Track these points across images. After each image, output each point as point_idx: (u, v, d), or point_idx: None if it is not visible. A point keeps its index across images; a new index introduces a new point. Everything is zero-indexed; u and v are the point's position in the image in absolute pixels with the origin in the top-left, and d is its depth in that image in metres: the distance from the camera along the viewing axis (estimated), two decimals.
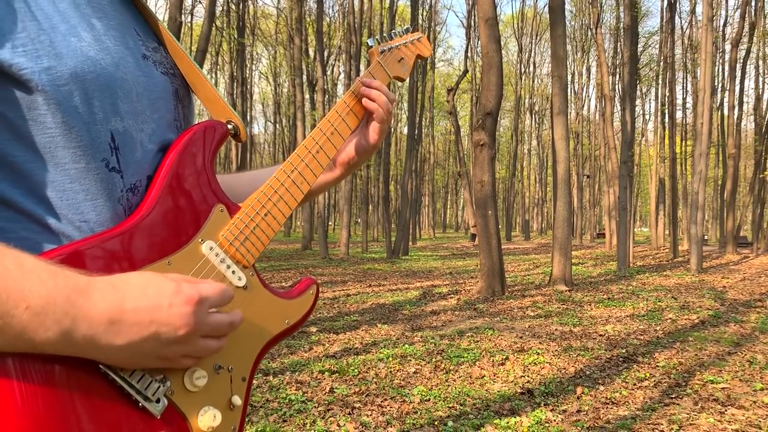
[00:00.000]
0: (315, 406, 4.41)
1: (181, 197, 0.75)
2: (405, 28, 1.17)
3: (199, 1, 28.12)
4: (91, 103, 0.69)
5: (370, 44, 1.06)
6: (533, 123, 53.45)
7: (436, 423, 4.12)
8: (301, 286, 0.90)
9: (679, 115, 30.61)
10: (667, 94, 26.81)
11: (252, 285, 0.81)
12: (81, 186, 0.69)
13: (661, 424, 4.09)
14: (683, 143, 31.16)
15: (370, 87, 1.00)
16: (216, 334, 0.70)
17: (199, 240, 0.76)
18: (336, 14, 36.48)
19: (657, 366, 5.68)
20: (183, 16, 14.54)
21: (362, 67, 25.30)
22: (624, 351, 6.29)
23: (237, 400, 0.77)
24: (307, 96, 27.50)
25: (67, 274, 0.60)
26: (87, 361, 0.62)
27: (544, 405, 4.53)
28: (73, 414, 0.61)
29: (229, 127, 0.86)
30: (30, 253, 0.60)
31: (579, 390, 4.87)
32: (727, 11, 30.90)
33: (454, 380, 5.21)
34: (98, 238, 0.67)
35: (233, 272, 0.78)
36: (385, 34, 1.10)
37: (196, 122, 0.85)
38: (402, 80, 1.12)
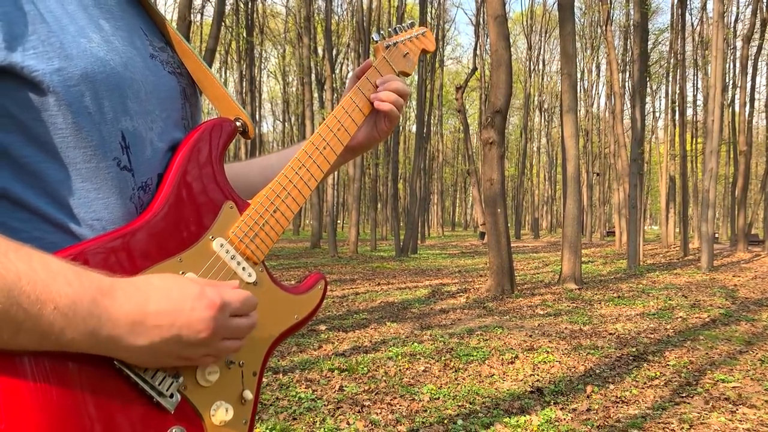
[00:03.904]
0: (325, 404, 4.43)
1: (191, 195, 0.76)
2: (409, 22, 1.16)
3: (208, 0, 28.20)
4: (102, 103, 0.69)
5: (375, 39, 1.06)
6: (542, 121, 53.22)
7: (445, 421, 4.12)
8: (309, 281, 0.91)
9: (689, 112, 30.38)
10: (678, 91, 26.62)
11: (262, 281, 0.82)
12: (93, 185, 0.70)
13: (672, 423, 4.07)
14: (694, 141, 30.92)
15: (387, 89, 1.00)
16: (236, 336, 0.72)
17: (210, 237, 0.77)
18: (344, 13, 36.50)
19: (667, 365, 5.65)
20: (192, 15, 14.59)
21: None
22: (634, 349, 6.26)
23: (248, 395, 0.78)
24: (316, 94, 27.58)
25: (91, 275, 0.62)
26: (102, 358, 0.63)
27: (554, 404, 4.52)
28: (89, 410, 0.62)
29: (238, 124, 0.86)
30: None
31: (589, 389, 4.86)
32: (738, 7, 30.55)
33: (464, 379, 5.21)
34: (111, 236, 0.68)
35: (243, 269, 0.79)
36: (390, 29, 1.09)
37: (204, 120, 0.85)
38: (407, 75, 1.11)
